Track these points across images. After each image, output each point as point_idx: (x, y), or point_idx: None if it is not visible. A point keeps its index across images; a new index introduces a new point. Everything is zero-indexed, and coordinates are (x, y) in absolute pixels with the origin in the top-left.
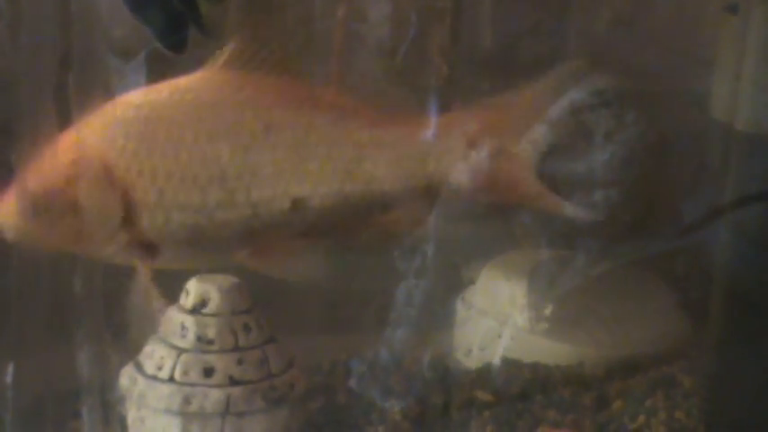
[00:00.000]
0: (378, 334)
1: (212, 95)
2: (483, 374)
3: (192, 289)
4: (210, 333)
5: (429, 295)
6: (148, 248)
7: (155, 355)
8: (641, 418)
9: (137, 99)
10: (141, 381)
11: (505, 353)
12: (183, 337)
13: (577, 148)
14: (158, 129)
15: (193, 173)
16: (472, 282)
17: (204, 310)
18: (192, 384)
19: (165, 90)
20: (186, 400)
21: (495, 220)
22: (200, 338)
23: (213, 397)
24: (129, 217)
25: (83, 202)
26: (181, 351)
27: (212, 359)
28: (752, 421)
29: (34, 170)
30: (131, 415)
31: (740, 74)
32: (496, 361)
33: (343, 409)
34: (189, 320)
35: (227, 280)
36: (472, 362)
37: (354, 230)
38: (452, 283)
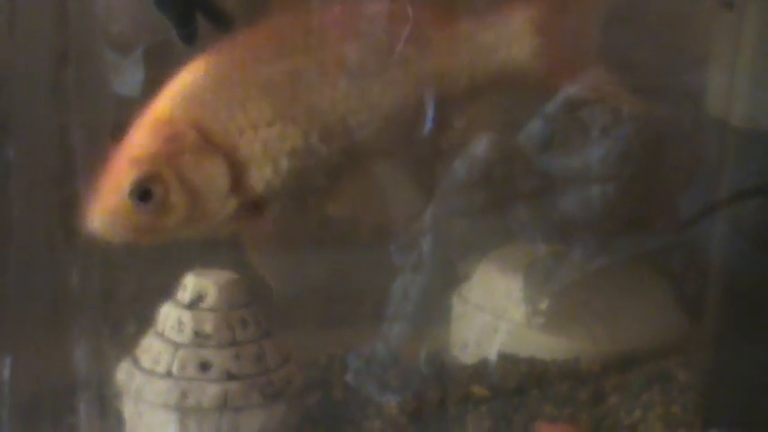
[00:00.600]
0: (374, 329)
1: (281, 37)
2: (479, 369)
3: (190, 284)
4: (208, 328)
5: (425, 290)
6: (256, 211)
7: (152, 350)
8: (637, 413)
9: (209, 61)
10: (138, 375)
11: (502, 348)
12: (181, 331)
13: (573, 144)
14: (245, 81)
15: (291, 115)
16: (468, 277)
17: (201, 305)
18: (189, 379)
19: (234, 45)
20: (183, 395)
21: (491, 214)
22: (197, 333)
23: (210, 392)
24: (236, 179)
25: (190, 176)
26: (178, 346)
27: (209, 354)
28: (748, 416)
29: (124, 160)
30: (128, 410)
31: (736, 70)
32: (493, 356)
33: (340, 404)
34: (186, 315)
35: (225, 275)
36: (468, 357)
37: (436, 142)
38: (449, 279)
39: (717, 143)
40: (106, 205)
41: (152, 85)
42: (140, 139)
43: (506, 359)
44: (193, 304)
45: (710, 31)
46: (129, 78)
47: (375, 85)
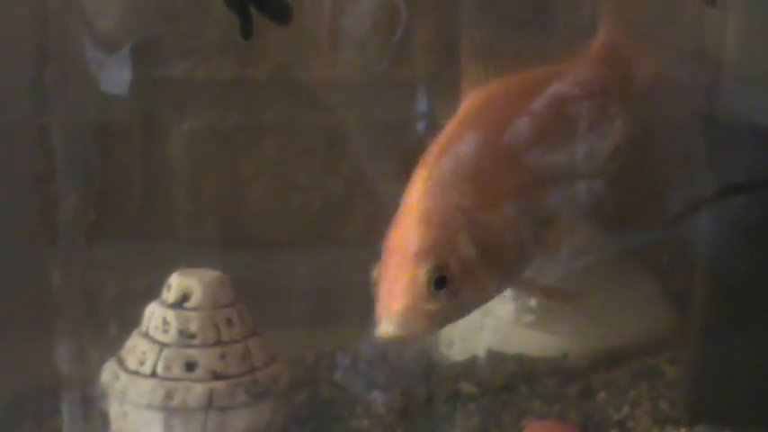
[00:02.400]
0: (362, 327)
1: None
2: (468, 366)
3: (174, 283)
4: (193, 327)
5: None
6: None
7: (137, 350)
8: (626, 409)
9: (450, 141)
10: (123, 376)
11: (490, 344)
12: (166, 331)
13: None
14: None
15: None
16: None
17: (186, 305)
18: (174, 379)
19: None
20: (169, 395)
21: None
22: (182, 333)
23: (196, 392)
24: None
25: (467, 254)
26: (163, 346)
27: (195, 354)
28: (735, 411)
29: (407, 256)
30: (113, 411)
31: (720, 64)
32: (481, 353)
33: (327, 402)
34: (171, 315)
35: (210, 274)
36: (455, 354)
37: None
38: None
39: (703, 138)
40: (403, 303)
41: (139, 84)
42: (414, 231)
43: (494, 356)
44: (178, 304)
45: (695, 26)
46: (116, 76)
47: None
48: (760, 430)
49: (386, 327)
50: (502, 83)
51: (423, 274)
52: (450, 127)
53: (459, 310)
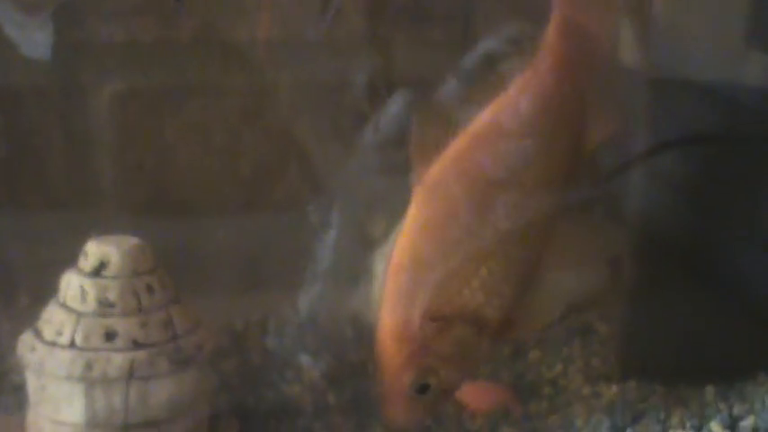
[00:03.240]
0: (293, 293)
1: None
2: None
3: (91, 251)
4: (112, 296)
5: (337, 250)
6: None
7: (54, 321)
8: (558, 367)
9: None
10: (40, 347)
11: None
12: (83, 301)
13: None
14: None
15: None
16: (386, 237)
17: (104, 273)
18: (93, 349)
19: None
20: (88, 366)
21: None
22: (100, 302)
23: (116, 362)
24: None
25: (450, 353)
26: (81, 315)
27: (114, 323)
28: (667, 366)
29: (399, 360)
30: (31, 384)
31: (649, 21)
32: None
33: (258, 369)
34: (88, 284)
35: (128, 240)
36: None
37: None
38: (363, 238)
39: (635, 94)
40: (397, 401)
41: (61, 48)
42: (395, 346)
43: None
44: (96, 272)
45: None
46: (37, 40)
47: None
48: (690, 386)
49: (390, 416)
50: (449, 158)
51: (408, 383)
52: (409, 224)
53: (448, 394)
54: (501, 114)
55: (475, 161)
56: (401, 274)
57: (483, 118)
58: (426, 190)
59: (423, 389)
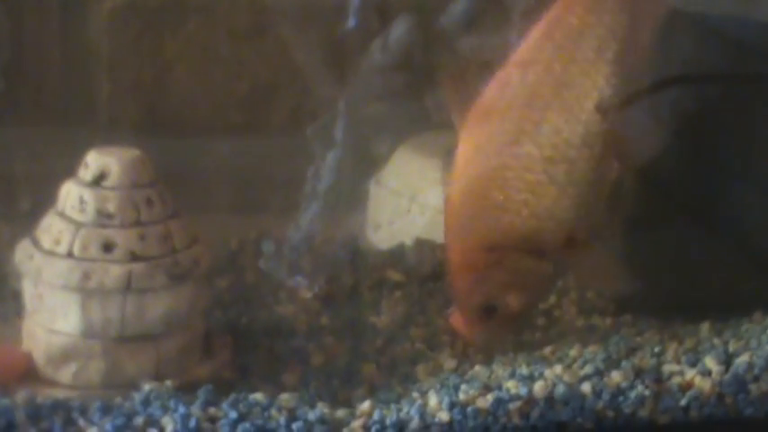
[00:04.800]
0: (289, 215)
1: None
2: (395, 254)
3: (92, 161)
4: (111, 207)
5: (337, 171)
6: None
7: (52, 230)
8: (552, 298)
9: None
10: (38, 256)
11: (416, 230)
12: (82, 211)
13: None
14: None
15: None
16: (383, 160)
17: (104, 183)
18: (91, 260)
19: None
20: (85, 276)
21: (409, 98)
22: (99, 212)
23: (113, 273)
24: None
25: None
26: (80, 225)
27: (113, 234)
28: (661, 300)
29: (468, 282)
30: (28, 292)
31: None
32: (408, 240)
33: (251, 288)
34: (88, 194)
35: (129, 152)
36: (381, 238)
37: None
38: (361, 160)
39: None
40: (468, 325)
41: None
42: (464, 269)
43: (422, 244)
44: (96, 182)
45: None
46: None
47: None
48: (684, 320)
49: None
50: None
51: (476, 306)
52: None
53: (518, 316)
54: (549, 33)
55: (525, 85)
56: (458, 205)
57: (529, 40)
58: (475, 120)
59: (489, 313)
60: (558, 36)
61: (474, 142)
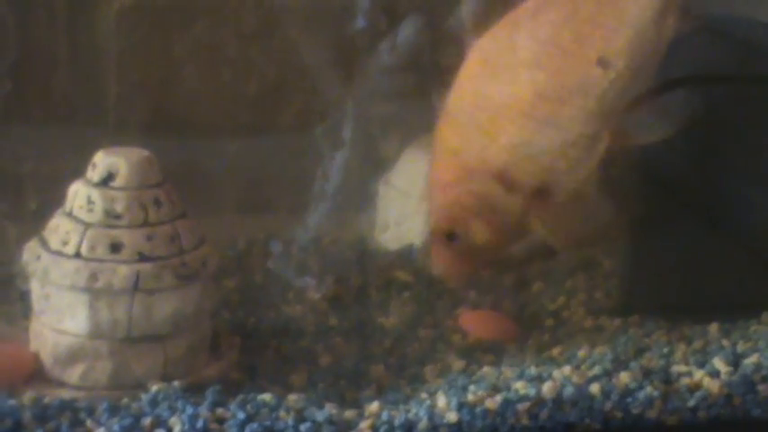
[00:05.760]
0: (298, 216)
1: None
2: (403, 255)
3: (100, 161)
4: (119, 207)
5: (345, 171)
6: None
7: (60, 230)
8: (561, 299)
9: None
10: (45, 256)
11: (424, 231)
12: (90, 211)
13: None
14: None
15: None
16: (392, 161)
17: (112, 184)
18: (99, 260)
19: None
20: (93, 277)
21: (418, 99)
22: (107, 213)
23: (121, 273)
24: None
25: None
26: (87, 226)
27: (120, 234)
28: (669, 301)
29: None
30: (35, 292)
31: None
32: (417, 241)
33: (259, 288)
34: (96, 194)
35: (137, 152)
36: (389, 238)
37: None
38: (370, 160)
39: None
40: (434, 248)
41: None
42: (437, 187)
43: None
44: (104, 182)
45: None
46: None
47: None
48: (692, 321)
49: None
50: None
51: (438, 233)
52: (467, 69)
53: (482, 251)
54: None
55: (537, 21)
56: (447, 120)
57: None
58: (482, 49)
59: (450, 236)
60: None
61: (480, 59)
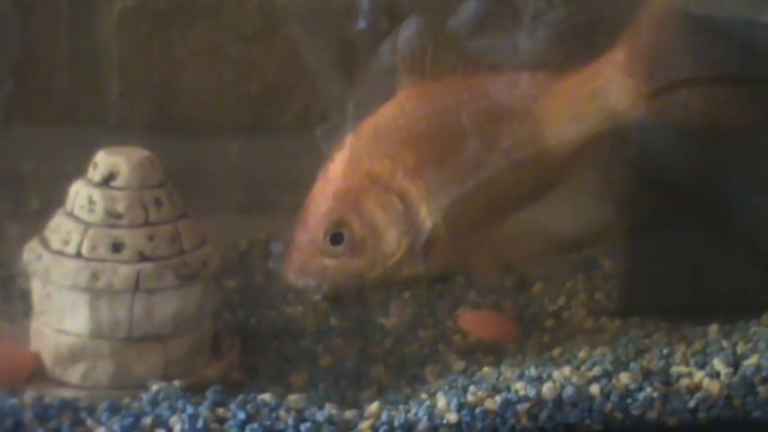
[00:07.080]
0: (297, 215)
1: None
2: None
3: (101, 161)
4: (120, 207)
5: None
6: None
7: (61, 230)
8: (561, 300)
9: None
10: (46, 256)
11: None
12: (91, 211)
13: (505, 28)
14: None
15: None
16: None
17: (113, 184)
18: (100, 260)
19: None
20: (94, 276)
21: None
22: (108, 213)
23: (122, 273)
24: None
25: (371, 217)
26: (88, 225)
27: (121, 234)
28: (669, 302)
29: (314, 215)
30: (36, 292)
31: None
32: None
33: (260, 289)
34: (97, 194)
35: (138, 152)
36: None
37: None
38: None
39: None
40: (300, 256)
41: None
42: (321, 194)
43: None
44: (105, 182)
45: None
46: None
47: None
48: (692, 322)
49: (287, 276)
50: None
51: (321, 231)
52: (380, 110)
53: (364, 266)
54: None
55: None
56: (355, 138)
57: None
58: (414, 94)
59: (335, 238)
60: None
61: (405, 106)
